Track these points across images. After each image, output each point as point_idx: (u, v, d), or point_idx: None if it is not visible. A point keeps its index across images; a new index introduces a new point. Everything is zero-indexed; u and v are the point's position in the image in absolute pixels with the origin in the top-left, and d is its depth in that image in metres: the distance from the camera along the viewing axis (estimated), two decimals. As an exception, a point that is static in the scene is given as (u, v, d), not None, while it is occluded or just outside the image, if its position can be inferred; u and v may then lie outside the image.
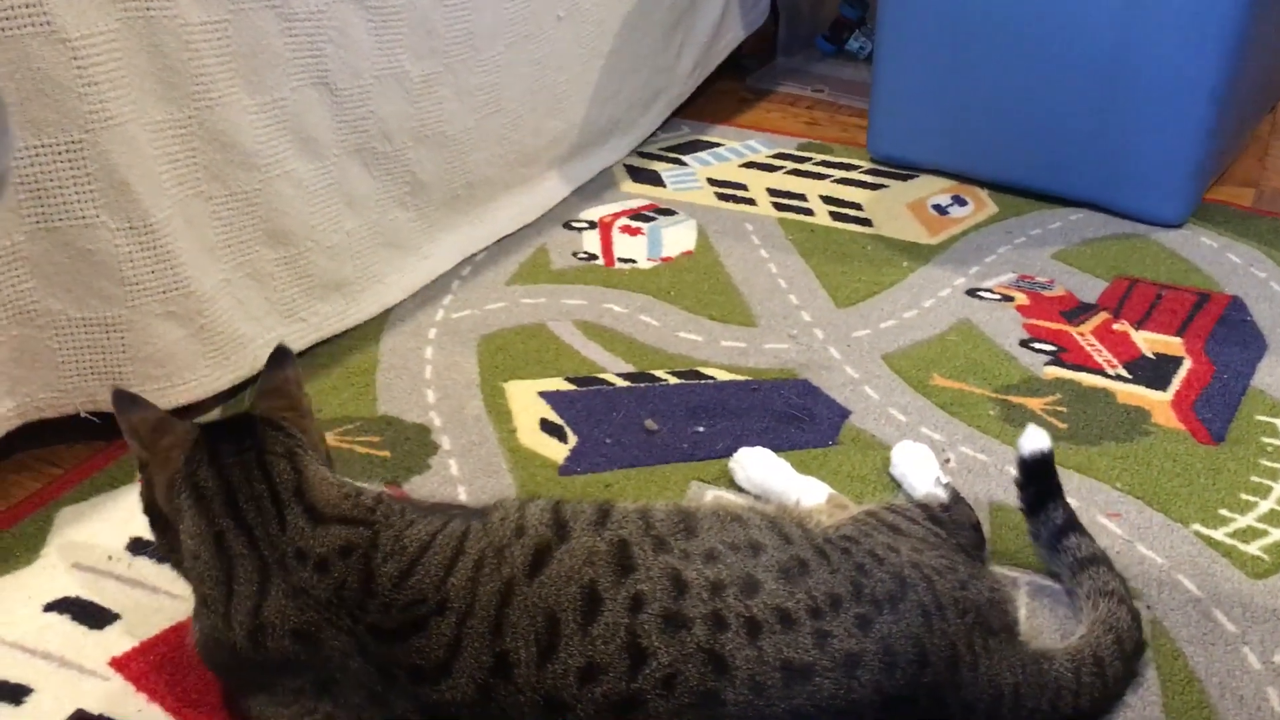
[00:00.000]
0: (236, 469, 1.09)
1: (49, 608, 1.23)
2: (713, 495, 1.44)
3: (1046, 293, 1.92)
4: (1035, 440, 1.30)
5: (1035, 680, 1.08)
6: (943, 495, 1.35)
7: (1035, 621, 1.26)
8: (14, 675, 1.15)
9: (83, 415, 1.44)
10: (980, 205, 2.23)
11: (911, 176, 2.34)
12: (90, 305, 1.37)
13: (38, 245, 1.31)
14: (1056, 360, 1.74)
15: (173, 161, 1.41)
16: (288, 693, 1.05)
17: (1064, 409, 1.62)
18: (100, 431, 1.47)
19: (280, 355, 1.20)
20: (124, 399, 1.16)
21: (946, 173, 2.33)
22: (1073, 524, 1.30)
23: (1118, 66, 2.06)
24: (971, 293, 1.92)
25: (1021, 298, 1.91)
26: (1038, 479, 1.31)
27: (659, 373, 1.69)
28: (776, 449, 1.48)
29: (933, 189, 2.29)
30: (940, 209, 2.22)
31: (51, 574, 1.27)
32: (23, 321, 1.34)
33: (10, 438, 1.41)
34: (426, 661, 1.01)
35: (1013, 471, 1.34)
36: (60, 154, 1.29)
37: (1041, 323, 1.84)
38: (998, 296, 1.91)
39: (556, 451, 1.51)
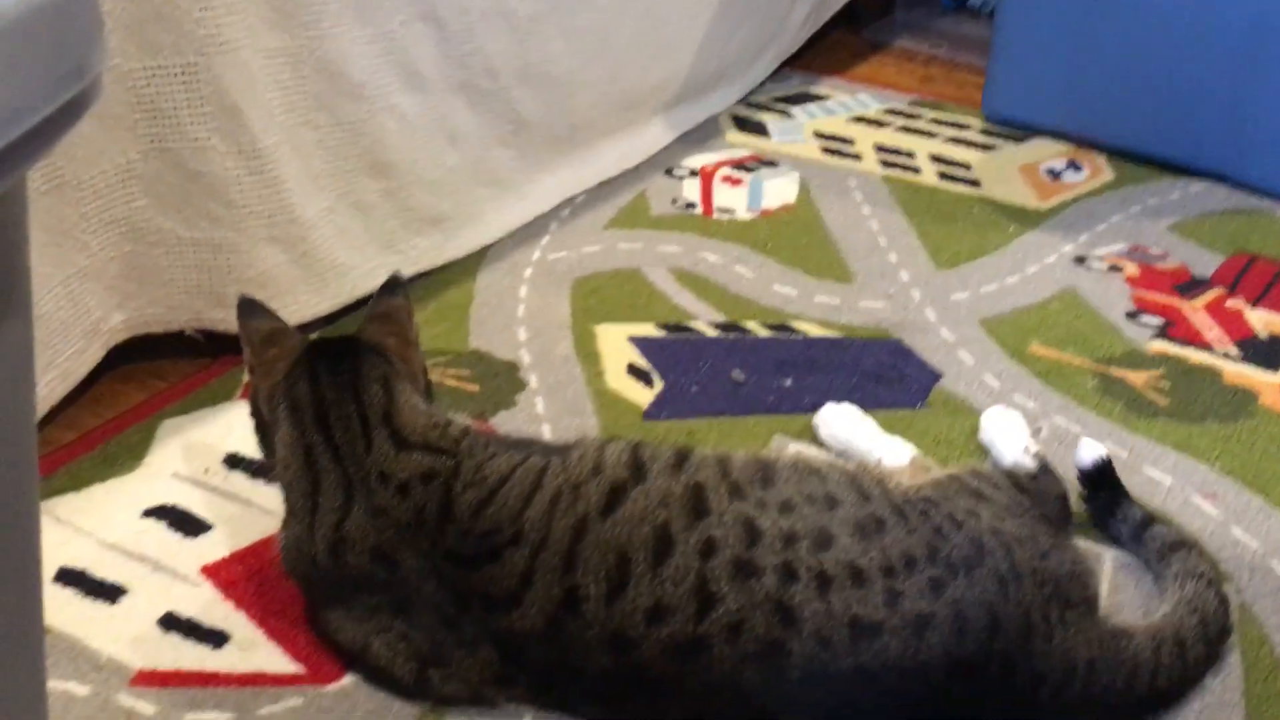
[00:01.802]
0: (331, 388, 1.11)
1: (147, 514, 1.28)
2: (795, 450, 1.43)
3: (1159, 265, 1.86)
4: (1092, 450, 1.31)
5: (1112, 656, 1.06)
6: (1031, 464, 1.32)
7: (1118, 598, 1.23)
8: (111, 575, 1.20)
9: (188, 333, 1.49)
10: (1096, 171, 2.16)
11: (1026, 139, 2.26)
12: (199, 226, 1.41)
13: (151, 165, 1.35)
14: (1163, 334, 1.68)
15: (283, 89, 1.43)
16: (364, 609, 1.08)
17: (1166, 384, 1.57)
18: (204, 349, 1.52)
19: (393, 283, 1.22)
20: (247, 305, 1.19)
21: (1063, 136, 2.25)
22: (1152, 517, 1.27)
23: (1258, 31, 1.96)
24: (1079, 261, 1.86)
25: (1132, 268, 1.84)
26: (1104, 486, 1.30)
27: (750, 324, 1.68)
28: (863, 407, 1.46)
29: (1047, 153, 2.22)
30: (1053, 173, 2.15)
31: (151, 482, 1.32)
32: (135, 238, 1.39)
33: (119, 351, 1.47)
34: (498, 590, 1.03)
35: (1093, 459, 1.32)
36: (175, 76, 1.32)
37: (1151, 295, 1.77)
38: (1106, 266, 1.85)
39: (642, 396, 1.52)
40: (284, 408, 1.12)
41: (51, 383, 1.35)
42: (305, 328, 1.56)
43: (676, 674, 1.01)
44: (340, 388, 1.11)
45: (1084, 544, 1.28)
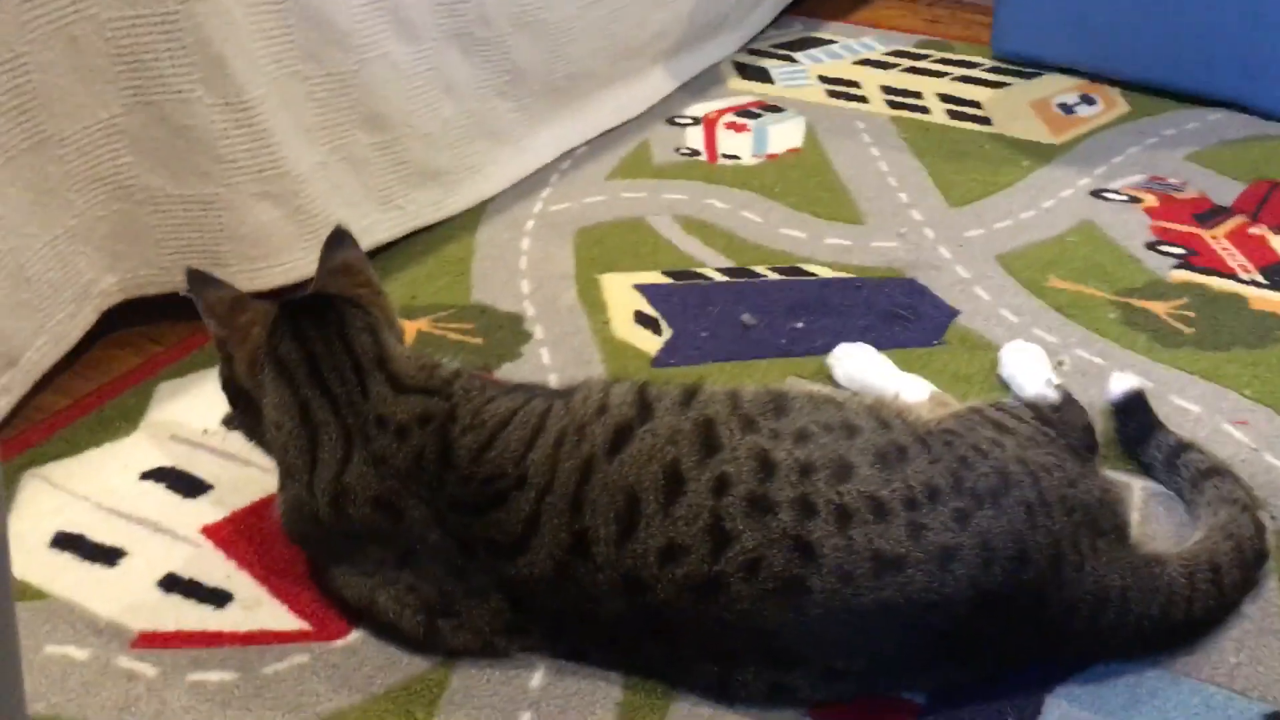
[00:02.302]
0: (319, 342, 1.08)
1: (145, 476, 1.25)
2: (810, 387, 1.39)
3: (1178, 195, 1.80)
4: (1123, 382, 1.29)
5: (1145, 584, 1.02)
6: (1053, 396, 1.28)
7: (1149, 528, 1.18)
8: (110, 539, 1.17)
9: (182, 294, 1.45)
10: (1110, 104, 2.10)
11: (1036, 75, 2.21)
12: (188, 182, 1.37)
13: (135, 118, 1.31)
14: (1185, 264, 1.63)
15: (268, 38, 1.39)
16: (369, 562, 1.04)
17: (1191, 314, 1.52)
18: (198, 310, 1.47)
19: (340, 235, 1.19)
20: (198, 279, 1.16)
21: (1075, 71, 2.19)
22: (1185, 444, 1.23)
23: (1270, -48, 1.90)
24: (1096, 194, 1.81)
25: (1150, 199, 1.79)
26: (1136, 414, 1.27)
27: (759, 268, 1.63)
28: (879, 347, 1.42)
29: (1059, 87, 2.16)
30: (1066, 108, 2.09)
31: (149, 445, 1.29)
32: (122, 197, 1.35)
33: (113, 314, 1.43)
34: (504, 536, 1.00)
35: (1124, 389, 1.28)
36: (155, 25, 1.28)
37: (1171, 225, 1.72)
38: (1124, 198, 1.80)
39: (650, 343, 1.48)
40: (270, 370, 1.08)
41: (43, 347, 1.31)
42: (301, 285, 1.53)
43: (693, 615, 0.97)
44: (329, 341, 1.08)
45: (1113, 474, 1.24)
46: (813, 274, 1.62)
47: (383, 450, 1.03)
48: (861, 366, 1.38)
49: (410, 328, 1.49)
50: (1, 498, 0.64)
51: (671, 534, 0.97)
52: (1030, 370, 1.35)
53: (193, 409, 1.34)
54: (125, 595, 1.11)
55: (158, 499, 1.22)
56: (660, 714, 1.01)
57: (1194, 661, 1.04)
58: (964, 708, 1.00)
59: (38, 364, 1.31)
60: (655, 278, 1.61)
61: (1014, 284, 1.59)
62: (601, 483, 0.99)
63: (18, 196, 1.24)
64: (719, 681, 1.00)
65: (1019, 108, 2.09)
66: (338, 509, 1.03)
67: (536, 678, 1.04)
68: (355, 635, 1.07)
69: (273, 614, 1.10)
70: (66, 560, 1.14)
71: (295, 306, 1.12)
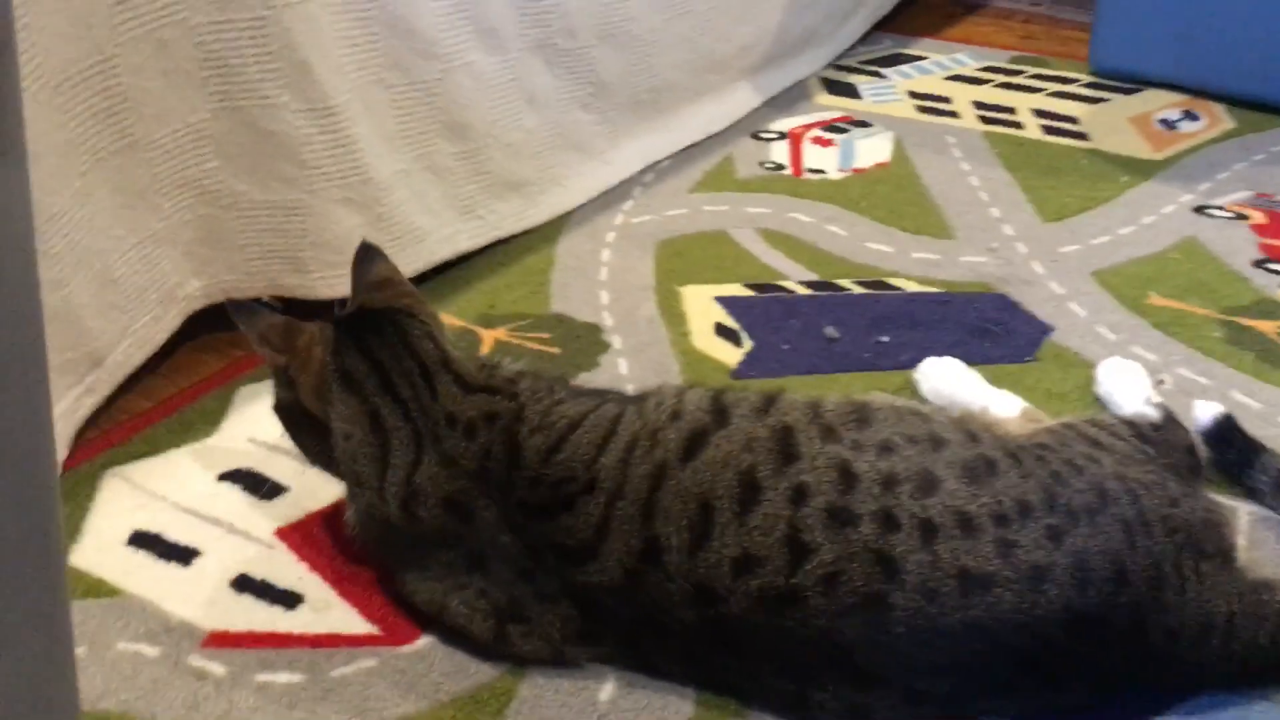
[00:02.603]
0: (385, 351, 1.07)
1: (223, 477, 1.25)
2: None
3: (1288, 212, 1.72)
4: (1208, 410, 1.22)
5: (1254, 611, 0.95)
6: (1154, 415, 1.22)
7: (1257, 554, 1.12)
8: (184, 538, 1.17)
9: (265, 300, 1.46)
10: (1215, 121, 2.02)
11: (1136, 90, 2.14)
12: (272, 188, 1.38)
13: (222, 123, 1.33)
14: (1296, 282, 1.55)
15: (353, 45, 1.40)
16: (440, 567, 1.02)
17: (1303, 333, 1.45)
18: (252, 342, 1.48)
19: (368, 250, 1.16)
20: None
21: (1177, 86, 2.12)
22: None
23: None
24: (1199, 210, 1.73)
25: (1258, 216, 1.71)
26: (1231, 439, 1.20)
27: (843, 282, 1.59)
28: (967, 363, 1.37)
29: (1160, 103, 2.09)
30: (1168, 124, 2.02)
31: (228, 447, 1.29)
32: (208, 201, 1.36)
33: (197, 319, 1.44)
34: (574, 542, 0.97)
35: (1210, 417, 1.22)
36: (243, 30, 1.30)
37: (1279, 243, 1.64)
38: (1230, 215, 1.72)
39: (730, 355, 1.44)
40: (338, 387, 1.07)
41: (128, 349, 1.33)
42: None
43: (768, 629, 0.93)
44: (394, 349, 1.07)
45: (1216, 499, 1.17)
46: (899, 288, 1.57)
47: (452, 449, 1.01)
48: (949, 381, 1.33)
49: (488, 336, 1.48)
50: (56, 499, 0.63)
51: (746, 544, 0.94)
52: (1129, 387, 1.29)
53: (271, 413, 1.34)
54: (198, 594, 1.11)
55: (234, 500, 1.22)
56: (733, 731, 0.97)
57: (1307, 696, 0.97)
58: (1056, 736, 0.95)
59: (123, 365, 1.32)
60: (737, 290, 1.58)
61: (1111, 301, 1.53)
62: (674, 489, 0.96)
63: (106, 198, 1.26)
64: (794, 699, 0.96)
65: (1118, 123, 2.02)
66: (409, 511, 1.02)
67: (606, 690, 1.01)
68: (424, 641, 1.06)
69: (343, 617, 1.08)
70: (142, 558, 1.15)
71: (350, 322, 1.11)
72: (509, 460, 1.00)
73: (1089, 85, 2.17)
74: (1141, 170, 1.86)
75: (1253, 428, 1.26)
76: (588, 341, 1.48)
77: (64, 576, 0.65)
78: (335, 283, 1.46)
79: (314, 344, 1.10)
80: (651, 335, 1.48)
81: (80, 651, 1.04)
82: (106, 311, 1.28)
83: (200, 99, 1.31)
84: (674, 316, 1.52)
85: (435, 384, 1.05)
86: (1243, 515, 1.16)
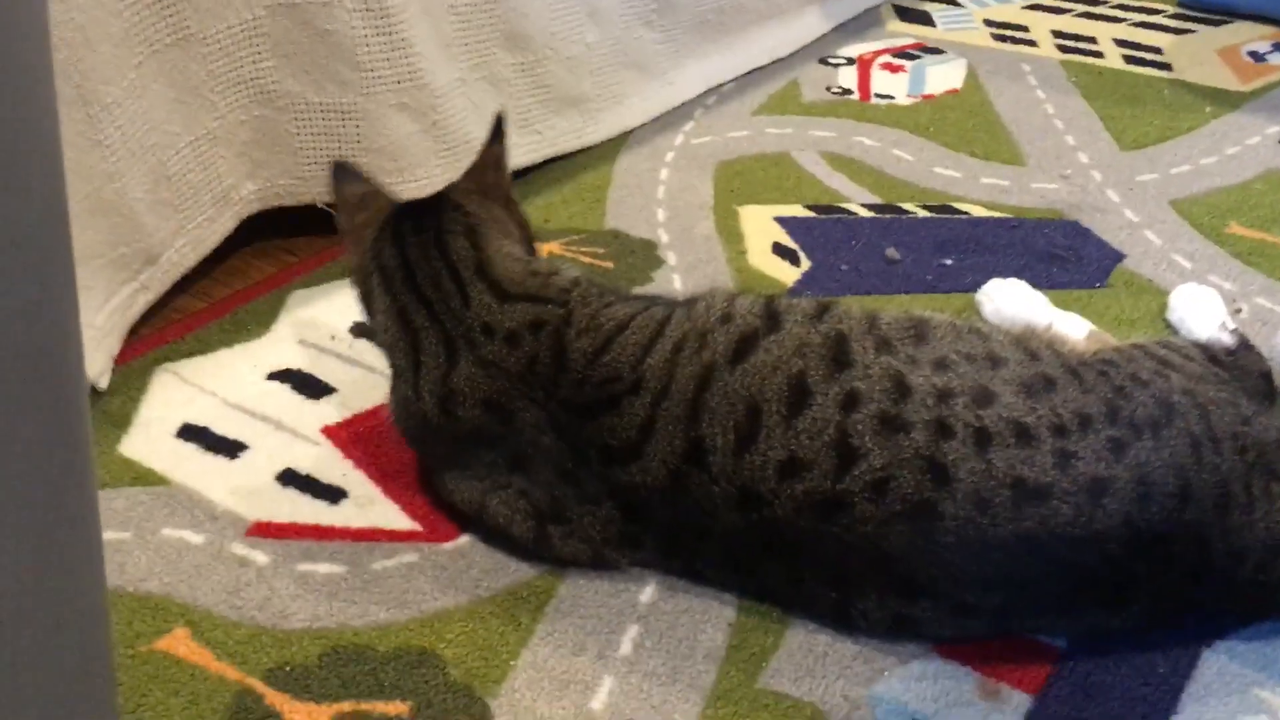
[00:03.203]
0: (415, 247, 1.05)
1: (272, 376, 1.25)
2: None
3: (1382, 145, 1.64)
4: None
5: (1326, 536, 0.91)
6: (1229, 340, 1.17)
7: (1332, 485, 1.06)
8: (232, 432, 1.17)
9: (320, 205, 1.45)
10: (1307, 53, 1.93)
11: (1225, 22, 2.05)
12: (327, 90, 1.37)
13: (278, 22, 1.31)
14: (1388, 216, 1.48)
15: (411, -55, 1.37)
16: (480, 466, 1.01)
17: (1392, 267, 1.38)
18: (335, 224, 1.48)
19: (499, 123, 1.13)
20: (341, 170, 1.15)
21: (1267, 19, 2.03)
22: None
23: None
24: (1287, 142, 1.66)
25: (1350, 149, 1.63)
26: None
27: (908, 205, 1.55)
28: (1034, 287, 1.32)
29: (1250, 35, 2.00)
30: (1257, 55, 1.93)
31: (278, 347, 1.29)
32: (263, 102, 1.35)
33: (253, 225, 1.44)
34: (618, 441, 0.95)
35: None
36: (300, -76, 1.28)
37: (1373, 176, 1.56)
38: (1320, 147, 1.64)
39: (787, 274, 1.41)
40: (375, 275, 1.06)
41: (183, 249, 1.33)
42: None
43: (813, 535, 0.91)
44: (424, 245, 1.05)
45: (1291, 428, 1.12)
46: (965, 213, 1.53)
47: (492, 355, 0.99)
48: (1013, 303, 1.29)
49: (541, 250, 1.46)
50: (90, 449, 0.62)
51: (794, 447, 0.91)
52: (1204, 312, 1.24)
53: (323, 316, 1.34)
54: (244, 486, 1.11)
55: (282, 399, 1.22)
56: (775, 637, 0.95)
57: (1378, 626, 0.93)
58: (1109, 656, 0.92)
59: (177, 265, 1.33)
60: (797, 211, 1.54)
61: (1189, 230, 1.47)
62: (721, 391, 0.94)
63: (161, 92, 1.25)
64: (839, 608, 0.94)
65: (1204, 54, 1.94)
66: (446, 411, 1.00)
67: (647, 592, 0.99)
68: (465, 539, 1.05)
69: (385, 513, 1.08)
70: (191, 450, 1.15)
71: (406, 209, 1.09)
72: (555, 364, 0.97)
73: (1174, 16, 2.09)
74: (1227, 101, 1.78)
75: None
76: (642, 257, 1.45)
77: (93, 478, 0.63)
78: (389, 190, 1.44)
79: (368, 224, 1.09)
80: (707, 253, 1.45)
81: (126, 536, 1.05)
82: (161, 209, 1.28)
83: (256, -5, 1.29)
84: (731, 235, 1.49)
85: (466, 290, 1.02)
86: (1319, 445, 1.11)
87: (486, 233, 1.07)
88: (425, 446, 1.07)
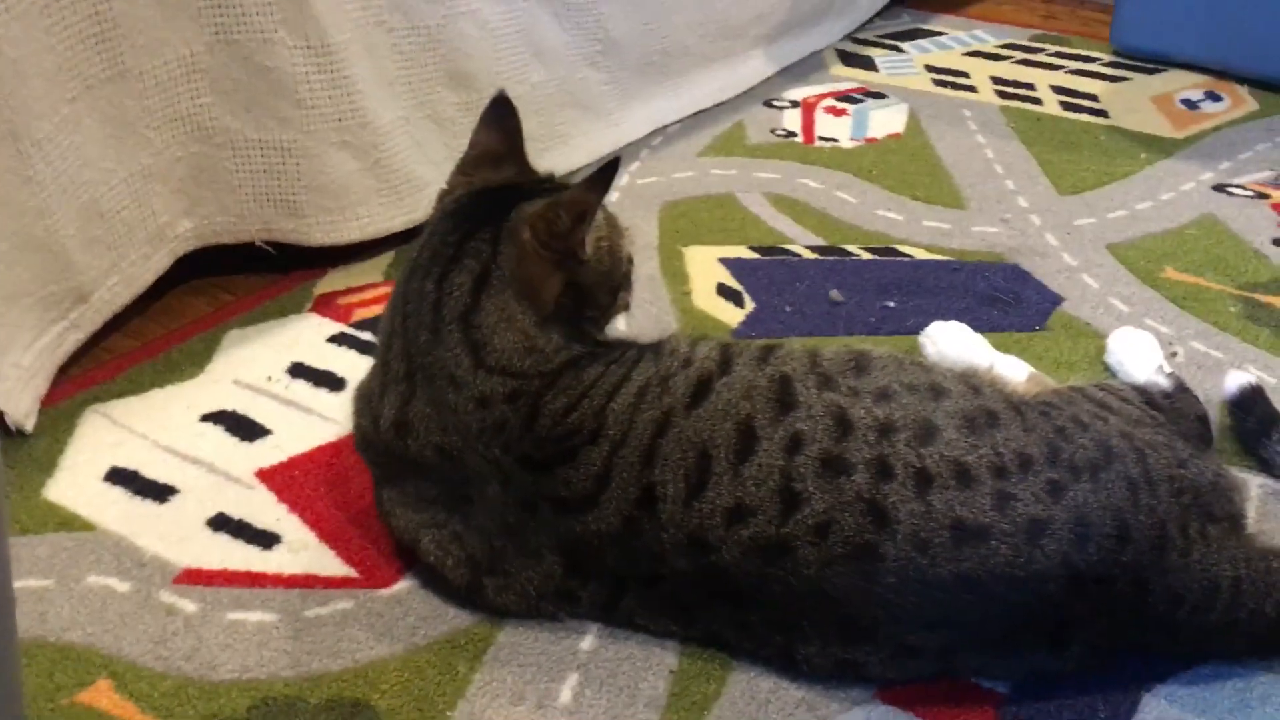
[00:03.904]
0: (433, 246, 0.99)
1: (205, 418, 1.22)
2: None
3: (1311, 192, 1.68)
4: (1238, 378, 1.20)
5: (1261, 578, 0.92)
6: (1165, 384, 1.18)
7: (1267, 526, 1.08)
8: (163, 476, 1.14)
9: (258, 244, 1.43)
10: (1238, 102, 1.98)
11: (1159, 70, 2.10)
12: (267, 127, 1.35)
13: (216, 58, 1.30)
14: (1317, 261, 1.51)
15: (354, -17, 1.36)
16: (421, 499, 0.99)
17: (1322, 311, 1.41)
18: (275, 263, 1.46)
19: (609, 169, 0.95)
20: (502, 103, 1.08)
21: (1201, 67, 2.08)
22: None
23: None
24: (1219, 188, 1.69)
25: (1278, 195, 1.67)
26: (1254, 409, 1.18)
27: (851, 247, 1.55)
28: (975, 329, 1.33)
29: (1182, 83, 2.05)
30: (1190, 103, 1.97)
31: (213, 388, 1.27)
32: (201, 138, 1.33)
33: (190, 264, 1.42)
34: (572, 493, 0.93)
35: (1239, 385, 1.19)
36: (240, -39, 1.27)
37: (1302, 222, 1.60)
38: (1250, 193, 1.68)
39: (732, 315, 1.41)
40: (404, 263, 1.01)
41: (115, 287, 1.30)
42: (381, 244, 1.50)
43: (758, 578, 0.90)
44: (438, 250, 0.97)
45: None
46: (908, 255, 1.54)
47: (455, 406, 0.95)
48: (955, 345, 1.29)
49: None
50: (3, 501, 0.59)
51: (740, 494, 0.90)
52: (1140, 356, 1.25)
53: (260, 356, 1.32)
54: (173, 531, 1.08)
55: (215, 441, 1.19)
56: (718, 685, 0.94)
57: (1315, 668, 0.93)
58: (1051, 700, 0.91)
59: (109, 303, 1.30)
60: (741, 252, 1.54)
61: (1126, 274, 1.49)
62: (676, 437, 0.92)
63: (95, 128, 1.23)
64: (783, 653, 0.93)
65: (1139, 102, 1.98)
66: (399, 435, 0.97)
67: (588, 640, 0.97)
68: (403, 584, 1.03)
69: (320, 559, 1.05)
70: (119, 494, 1.12)
71: (474, 199, 1.02)
72: (524, 426, 0.94)
73: (1110, 64, 2.13)
74: (1161, 148, 1.82)
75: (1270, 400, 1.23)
76: (586, 297, 1.44)
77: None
78: (330, 228, 1.43)
79: (443, 196, 1.05)
80: (652, 293, 1.45)
81: (48, 584, 1.02)
82: (93, 246, 1.26)
83: (194, 30, 1.28)
84: (676, 275, 1.49)
85: (440, 331, 0.96)
86: (1254, 487, 1.13)
87: (498, 290, 0.96)
88: (371, 455, 1.03)
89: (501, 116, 1.07)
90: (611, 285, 1.01)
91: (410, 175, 1.49)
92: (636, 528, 0.92)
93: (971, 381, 0.98)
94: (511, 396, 0.95)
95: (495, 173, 1.05)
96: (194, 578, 1.03)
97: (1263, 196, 1.67)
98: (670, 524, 0.91)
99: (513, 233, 0.97)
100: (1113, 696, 0.92)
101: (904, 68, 2.12)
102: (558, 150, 1.70)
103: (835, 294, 1.44)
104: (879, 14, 2.33)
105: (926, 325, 1.34)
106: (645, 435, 0.93)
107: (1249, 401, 1.19)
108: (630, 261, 1.05)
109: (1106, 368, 1.29)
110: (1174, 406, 1.12)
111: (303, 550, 1.06)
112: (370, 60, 1.41)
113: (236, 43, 1.30)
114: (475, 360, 0.95)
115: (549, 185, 1.05)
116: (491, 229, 0.97)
